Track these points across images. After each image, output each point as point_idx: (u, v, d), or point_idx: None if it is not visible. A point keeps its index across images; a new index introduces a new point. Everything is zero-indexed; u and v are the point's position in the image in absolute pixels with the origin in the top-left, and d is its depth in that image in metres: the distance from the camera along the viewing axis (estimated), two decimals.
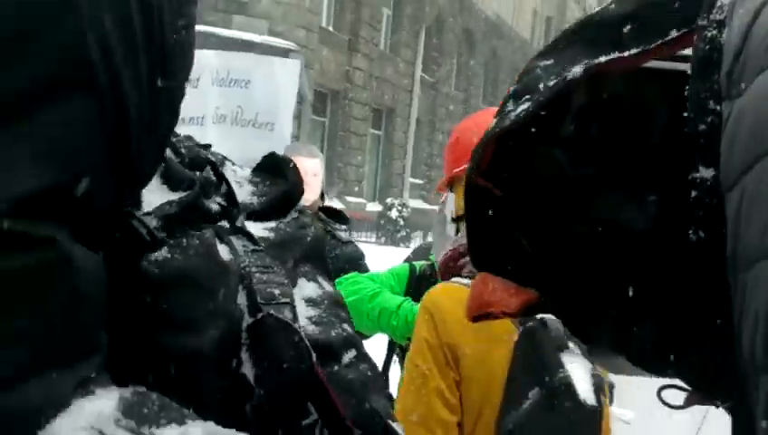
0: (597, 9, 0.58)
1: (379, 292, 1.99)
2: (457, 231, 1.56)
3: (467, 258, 1.35)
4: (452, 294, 1.38)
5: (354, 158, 18.87)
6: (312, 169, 2.69)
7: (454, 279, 1.44)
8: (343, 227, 2.77)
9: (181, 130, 2.79)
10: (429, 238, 17.36)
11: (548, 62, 0.56)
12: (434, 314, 1.36)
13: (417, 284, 2.09)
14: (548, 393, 1.28)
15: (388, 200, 16.95)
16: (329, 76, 17.61)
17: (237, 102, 3.30)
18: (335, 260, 2.55)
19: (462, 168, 1.48)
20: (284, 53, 3.56)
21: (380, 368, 2.23)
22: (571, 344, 1.34)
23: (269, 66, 3.40)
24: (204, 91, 3.22)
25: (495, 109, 1.63)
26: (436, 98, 23.58)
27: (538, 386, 1.29)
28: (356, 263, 2.61)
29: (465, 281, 1.39)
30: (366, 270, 2.57)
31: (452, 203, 1.57)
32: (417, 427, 1.30)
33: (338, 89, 18.27)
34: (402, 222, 15.98)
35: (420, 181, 22.73)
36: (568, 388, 1.29)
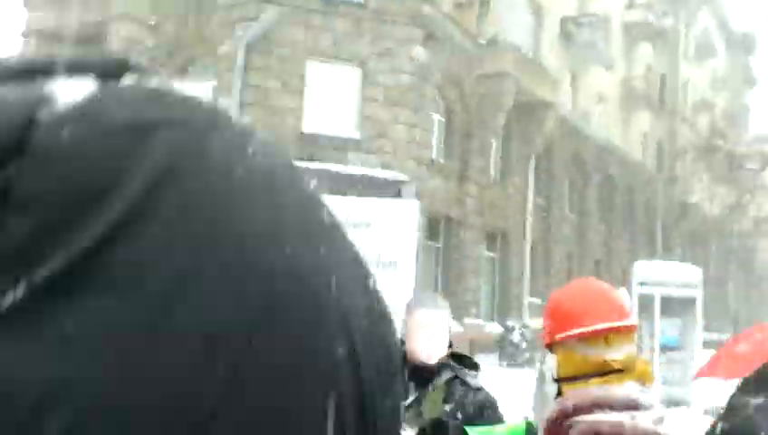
0: None
1: None
2: (559, 392, 1.60)
3: (577, 418, 1.43)
4: None
5: (470, 280, 18.82)
6: (438, 321, 2.64)
7: None
8: (474, 373, 2.70)
9: None
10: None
11: (759, 402, 0.51)
12: None
13: None
14: None
15: (509, 323, 16.56)
16: (441, 203, 18.07)
17: (359, 244, 3.41)
18: (468, 407, 2.53)
19: (564, 335, 1.56)
20: (398, 185, 3.69)
21: None
22: None
23: (387, 207, 3.42)
24: None
25: (595, 284, 1.64)
26: (550, 220, 23.43)
27: None
28: (490, 411, 2.55)
29: None
30: (499, 418, 2.53)
31: (552, 362, 1.63)
32: None
33: (451, 215, 18.65)
34: (525, 345, 15.47)
35: (539, 301, 22.16)
36: None
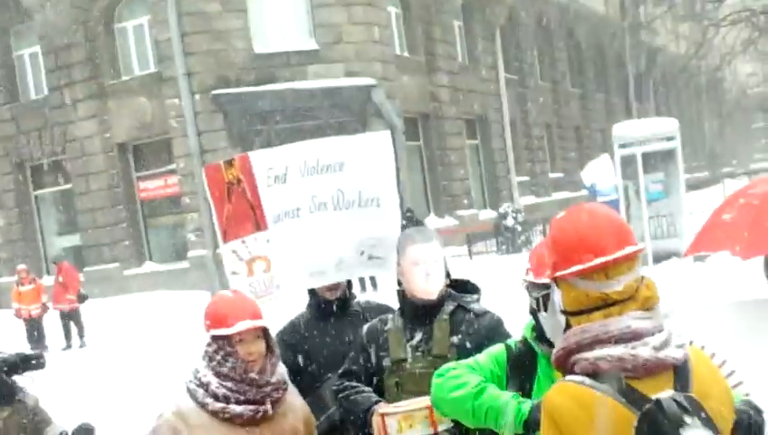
0: None
1: (483, 388, 2.00)
2: (567, 324, 1.59)
3: (579, 355, 1.49)
4: (569, 392, 1.46)
5: (457, 172, 18.84)
6: (432, 255, 2.61)
7: (568, 377, 1.51)
8: (475, 297, 2.69)
9: (276, 227, 2.96)
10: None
11: None
12: (555, 417, 1.45)
13: (517, 362, 2.13)
14: None
15: (501, 209, 16.70)
16: (414, 101, 17.77)
17: (336, 186, 3.12)
18: (475, 335, 2.54)
19: (568, 271, 1.53)
20: (367, 91, 3.57)
21: None
22: (687, 419, 1.37)
23: (358, 144, 3.24)
24: (294, 185, 3.12)
25: (596, 211, 1.60)
26: (525, 94, 23.18)
27: None
28: (497, 332, 2.55)
29: (579, 379, 1.47)
30: (507, 336, 2.51)
31: (558, 296, 1.61)
32: None
33: (426, 111, 18.39)
34: (519, 228, 15.67)
35: (526, 178, 22.31)
36: None
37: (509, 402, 1.93)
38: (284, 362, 2.58)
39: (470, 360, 2.17)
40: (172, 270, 15.08)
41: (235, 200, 3.18)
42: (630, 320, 1.49)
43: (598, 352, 1.47)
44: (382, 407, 2.44)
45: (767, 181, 2.66)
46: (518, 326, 3.15)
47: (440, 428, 2.32)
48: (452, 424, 2.33)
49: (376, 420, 2.41)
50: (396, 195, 3.29)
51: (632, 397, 1.43)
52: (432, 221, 16.26)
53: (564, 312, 1.59)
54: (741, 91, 39.29)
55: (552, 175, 24.40)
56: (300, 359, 3.02)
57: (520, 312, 3.34)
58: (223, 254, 3.15)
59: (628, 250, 1.52)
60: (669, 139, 11.94)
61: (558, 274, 1.57)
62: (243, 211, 3.17)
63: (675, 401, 1.39)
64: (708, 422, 1.39)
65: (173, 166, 15.29)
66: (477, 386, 2.01)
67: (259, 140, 13.95)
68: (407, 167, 16.10)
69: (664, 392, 1.41)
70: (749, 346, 1.97)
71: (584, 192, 15.92)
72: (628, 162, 11.90)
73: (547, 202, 21.95)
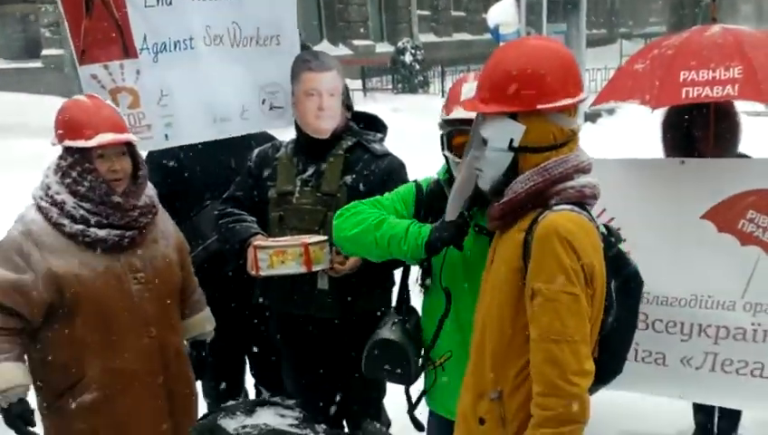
0: None
1: (384, 219, 1.99)
2: (516, 161, 1.62)
3: (563, 184, 1.58)
4: (573, 219, 1.56)
5: None
6: (327, 86, 2.39)
7: (562, 207, 1.58)
8: (379, 136, 2.53)
9: (169, 57, 2.56)
10: (449, 77, 16.57)
11: None
12: (572, 241, 1.52)
13: (427, 201, 2.08)
14: (623, 282, 1.64)
15: (400, 44, 16.24)
16: None
17: (231, 18, 2.85)
18: (371, 177, 2.40)
19: (559, 104, 1.56)
20: None
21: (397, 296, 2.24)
22: (618, 240, 1.69)
23: None
24: (183, 7, 2.77)
25: (561, 49, 1.68)
26: None
27: (614, 279, 1.62)
28: (395, 176, 2.42)
29: (570, 207, 1.58)
30: (406, 182, 2.38)
31: (513, 131, 1.61)
32: (580, 345, 1.52)
33: None
34: (418, 66, 15.40)
35: (427, 12, 21.80)
36: (636, 272, 1.68)
37: (410, 229, 1.93)
38: (156, 185, 2.41)
39: (380, 196, 2.12)
40: (23, 69, 13.75)
41: (96, 15, 2.72)
42: (585, 154, 1.67)
43: (580, 180, 1.61)
44: (258, 240, 2.34)
45: (683, 34, 2.64)
46: (417, 169, 3.11)
47: (314, 268, 2.26)
48: (328, 266, 2.29)
49: (250, 252, 2.32)
50: (296, 32, 3.03)
51: (595, 223, 1.63)
52: (324, 48, 15.66)
53: (525, 148, 1.60)
54: None
55: (454, 13, 23.97)
56: (174, 182, 2.83)
57: (414, 153, 3.32)
58: (81, 79, 2.76)
59: (586, 94, 1.68)
60: None
61: (543, 106, 1.57)
62: (105, 30, 2.72)
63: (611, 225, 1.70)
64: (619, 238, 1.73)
65: None
66: (377, 218, 2.00)
67: None
68: None
69: (599, 220, 1.68)
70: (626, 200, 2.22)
71: (486, 36, 15.80)
72: (532, 7, 11.96)
73: (447, 42, 21.74)
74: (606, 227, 1.63)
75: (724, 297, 2.41)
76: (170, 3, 2.77)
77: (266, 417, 1.40)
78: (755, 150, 2.78)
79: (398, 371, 2.09)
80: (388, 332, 2.11)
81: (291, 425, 1.38)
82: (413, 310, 2.21)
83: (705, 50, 2.42)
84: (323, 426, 1.40)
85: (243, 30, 2.89)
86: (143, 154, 2.51)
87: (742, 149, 2.78)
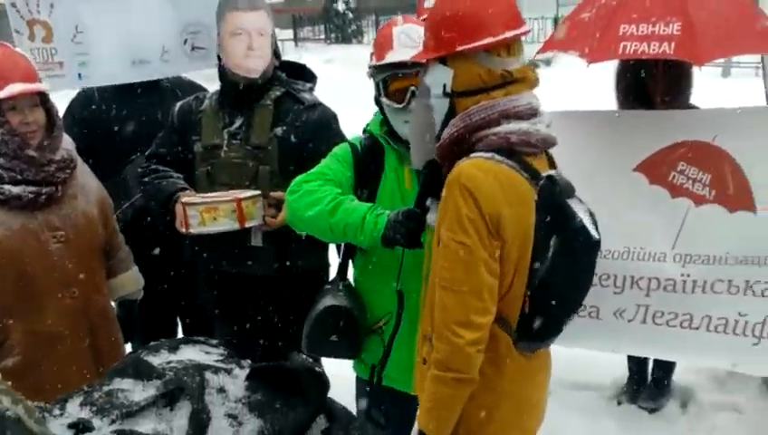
0: None
1: (339, 202, 1.90)
2: (451, 106, 1.58)
3: (487, 130, 1.52)
4: (481, 166, 1.50)
5: None
6: (256, 25, 2.28)
7: (478, 154, 1.53)
8: (308, 85, 2.44)
9: None
10: (382, 23, 16.44)
11: None
12: (472, 190, 1.47)
13: (365, 157, 2.03)
14: (566, 237, 1.54)
15: None
16: None
17: None
18: (302, 128, 2.31)
19: (477, 44, 1.51)
20: None
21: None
22: (571, 192, 1.60)
23: None
24: None
25: None
26: None
27: (556, 233, 1.54)
28: (327, 128, 2.34)
29: (488, 154, 1.52)
30: (340, 134, 2.34)
31: (444, 76, 1.57)
32: (468, 296, 1.49)
33: None
34: (351, 15, 15.13)
35: None
36: (583, 229, 1.55)
37: (365, 218, 1.85)
38: (75, 139, 2.31)
39: (322, 165, 2.03)
40: None
41: None
42: (530, 98, 1.59)
43: (507, 127, 1.53)
44: (187, 196, 2.25)
45: None
46: (351, 123, 3.04)
47: (248, 223, 2.20)
48: (261, 221, 2.22)
49: (178, 209, 2.23)
50: None
51: (530, 172, 1.55)
52: None
53: (455, 93, 1.57)
54: None
55: None
56: (96, 136, 2.68)
57: (349, 105, 3.24)
58: (6, 6, 2.58)
59: (526, 28, 1.59)
60: None
61: (462, 47, 1.52)
62: None
63: (561, 177, 1.59)
64: (580, 199, 1.62)
65: None
66: (331, 202, 1.90)
67: None
68: None
69: (551, 170, 1.61)
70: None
71: None
72: None
73: None
74: (550, 177, 1.56)
75: (655, 249, 2.46)
76: None
77: (191, 353, 1.39)
78: (707, 103, 2.79)
79: (347, 341, 2.01)
80: (333, 298, 2.04)
81: (216, 360, 1.36)
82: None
83: (649, 2, 2.41)
84: (248, 361, 1.39)
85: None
86: (61, 105, 2.36)
87: (693, 100, 2.79)
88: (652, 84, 2.65)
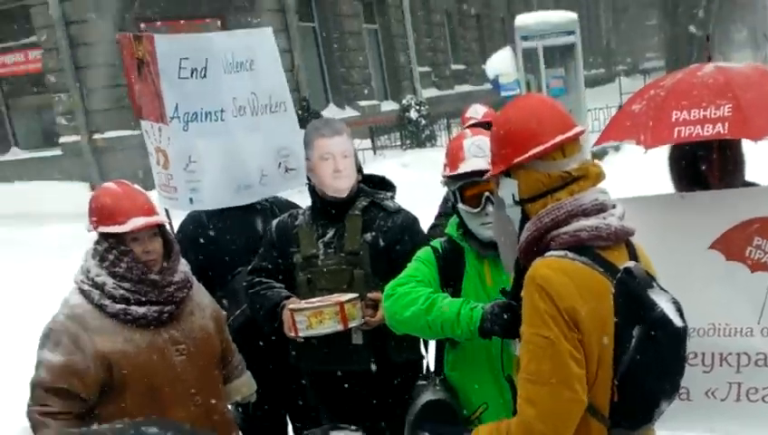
0: None
1: (433, 300, 2.01)
2: (524, 212, 1.68)
3: (557, 231, 1.61)
4: (553, 265, 1.57)
5: (356, 58, 18.46)
6: (340, 149, 2.54)
7: (550, 253, 1.61)
8: (389, 194, 2.68)
9: (200, 127, 2.82)
10: (454, 129, 16.54)
11: None
12: (546, 287, 1.54)
13: (446, 259, 2.17)
14: (648, 328, 1.57)
15: (404, 101, 16.60)
16: None
17: (250, 89, 3.03)
18: (389, 233, 2.53)
19: (529, 154, 1.62)
20: None
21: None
22: (653, 283, 1.64)
23: (265, 39, 3.11)
24: (215, 80, 2.94)
25: (537, 98, 1.77)
26: None
27: (638, 324, 1.57)
28: (411, 230, 2.56)
29: (560, 253, 1.59)
30: (422, 235, 2.55)
31: (512, 187, 1.68)
32: (559, 388, 1.53)
33: None
34: (424, 121, 15.69)
35: (428, 69, 22.25)
36: (663, 318, 1.58)
37: (460, 312, 1.96)
38: (187, 259, 2.54)
39: (410, 268, 2.17)
40: (43, 157, 14.12)
41: (144, 77, 2.96)
42: (596, 193, 1.65)
43: (576, 225, 1.60)
44: (293, 302, 2.46)
45: (676, 74, 2.74)
46: (430, 221, 3.21)
47: (350, 324, 2.37)
48: (363, 321, 2.40)
49: (286, 316, 2.43)
50: (290, 97, 3.23)
51: (606, 266, 1.60)
52: (332, 112, 15.98)
53: (523, 200, 1.67)
54: None
55: (454, 66, 24.46)
56: (205, 254, 2.96)
57: (426, 205, 3.43)
58: (143, 128, 2.99)
59: (580, 128, 1.69)
60: (569, 33, 12.28)
61: (517, 160, 1.64)
62: (150, 95, 2.96)
63: (639, 268, 1.63)
64: (662, 288, 1.66)
65: (34, 38, 13.93)
66: (426, 302, 2.01)
67: (133, 14, 12.88)
68: (300, 50, 15.56)
69: (629, 262, 1.64)
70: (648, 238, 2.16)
71: (487, 86, 16.11)
72: (529, 56, 12.17)
73: (450, 95, 22.06)
74: (627, 269, 1.59)
75: (741, 324, 2.45)
76: (204, 76, 2.94)
77: None
78: (763, 177, 2.82)
79: (447, 432, 2.06)
80: (432, 394, 2.12)
81: None
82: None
83: (696, 90, 2.52)
84: None
85: (259, 99, 3.07)
86: (173, 224, 2.59)
87: (749, 177, 2.82)
88: (707, 167, 2.72)
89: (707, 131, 2.40)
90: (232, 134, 2.99)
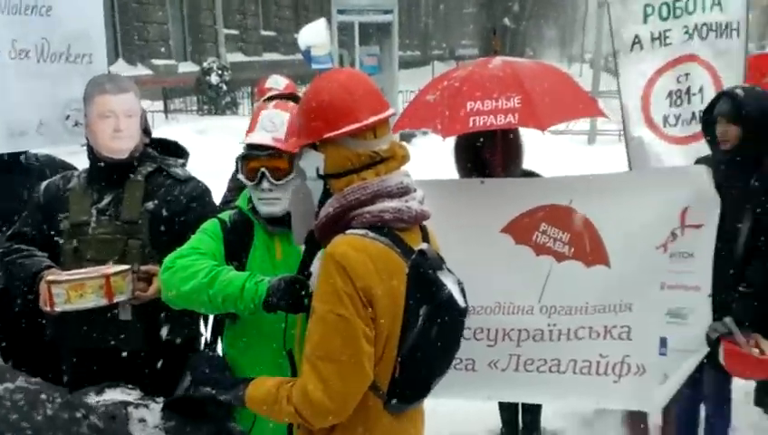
0: None
1: (215, 274, 1.96)
2: (326, 187, 1.72)
3: (361, 210, 1.65)
4: (354, 244, 1.62)
5: (153, 13, 17.43)
6: (123, 108, 2.39)
7: (350, 231, 1.66)
8: (180, 161, 2.56)
9: None
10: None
11: None
12: (345, 265, 1.59)
13: (234, 232, 2.14)
14: (434, 308, 1.68)
15: (205, 64, 15.95)
16: None
17: (41, 34, 2.94)
18: (174, 202, 2.41)
19: (342, 131, 1.66)
20: None
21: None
22: (442, 265, 1.74)
23: None
24: None
25: (354, 76, 1.75)
26: None
27: (426, 304, 1.67)
28: (200, 201, 2.46)
29: (362, 232, 1.64)
30: (212, 206, 2.47)
31: (316, 160, 1.71)
32: (348, 365, 1.59)
33: None
34: (225, 87, 15.19)
35: (235, 32, 21.68)
36: (450, 299, 1.70)
37: (244, 286, 1.93)
38: None
39: (193, 240, 2.09)
40: None
41: None
42: (401, 176, 1.73)
43: (380, 206, 1.67)
44: (52, 274, 2.26)
45: (468, 66, 2.97)
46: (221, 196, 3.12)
47: (116, 298, 2.24)
48: (131, 295, 2.25)
49: (42, 288, 2.24)
50: (104, 55, 3.15)
51: (402, 247, 1.68)
52: (120, 68, 15.00)
53: (327, 175, 1.70)
54: None
55: (264, 32, 24.06)
56: None
57: (225, 178, 3.31)
58: None
59: (392, 111, 1.75)
60: (387, 12, 12.62)
61: (328, 135, 1.66)
62: None
63: (431, 250, 1.73)
64: (450, 270, 1.76)
65: None
66: (208, 275, 1.96)
67: None
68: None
69: (422, 244, 1.74)
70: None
71: (298, 56, 16.05)
72: (344, 30, 12.34)
73: (257, 62, 21.71)
74: (421, 251, 1.69)
75: (523, 303, 2.74)
76: None
77: (114, 394, 1.64)
78: (550, 164, 3.08)
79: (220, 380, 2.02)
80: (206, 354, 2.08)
81: (136, 398, 1.66)
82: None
83: (488, 82, 2.74)
84: (162, 398, 1.69)
85: (52, 46, 2.97)
86: None
87: (531, 166, 3.14)
88: (490, 155, 2.96)
89: (500, 121, 2.61)
90: (6, 76, 2.86)
